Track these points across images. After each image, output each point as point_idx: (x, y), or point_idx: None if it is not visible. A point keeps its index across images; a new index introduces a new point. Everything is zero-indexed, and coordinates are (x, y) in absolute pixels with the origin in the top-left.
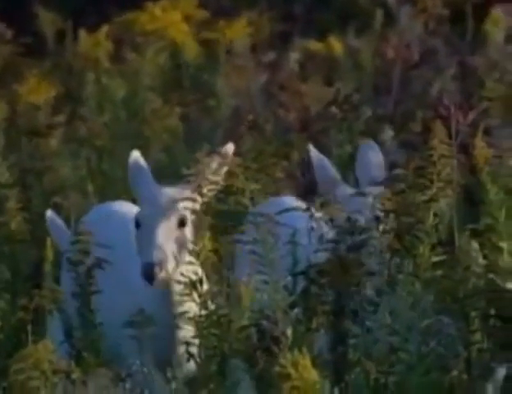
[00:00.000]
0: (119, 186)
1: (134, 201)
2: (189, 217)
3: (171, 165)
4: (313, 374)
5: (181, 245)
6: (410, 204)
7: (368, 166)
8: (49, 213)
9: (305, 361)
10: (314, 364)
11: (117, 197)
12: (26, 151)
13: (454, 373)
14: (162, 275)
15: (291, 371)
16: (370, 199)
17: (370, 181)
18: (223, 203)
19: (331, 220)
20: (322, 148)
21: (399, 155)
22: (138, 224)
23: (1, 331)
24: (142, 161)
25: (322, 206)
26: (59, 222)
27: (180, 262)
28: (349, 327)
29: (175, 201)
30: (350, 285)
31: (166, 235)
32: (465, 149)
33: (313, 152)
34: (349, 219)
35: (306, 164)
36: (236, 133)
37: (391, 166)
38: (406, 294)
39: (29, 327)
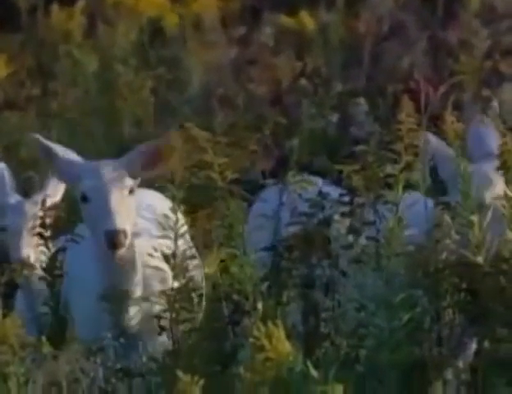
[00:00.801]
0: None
1: None
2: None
3: (143, 139)
4: (286, 346)
5: (133, 211)
6: (378, 179)
7: (481, 141)
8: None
9: (279, 333)
10: (288, 336)
11: None
12: None
13: (426, 347)
14: (127, 242)
15: (265, 343)
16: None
17: (483, 156)
18: (195, 177)
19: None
20: (293, 122)
21: (369, 129)
22: (85, 198)
23: None
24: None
25: (295, 179)
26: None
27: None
28: (319, 300)
29: (119, 173)
30: (319, 259)
31: (121, 204)
32: (435, 123)
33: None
34: (320, 193)
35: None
36: (207, 107)
37: (360, 140)
38: (377, 268)
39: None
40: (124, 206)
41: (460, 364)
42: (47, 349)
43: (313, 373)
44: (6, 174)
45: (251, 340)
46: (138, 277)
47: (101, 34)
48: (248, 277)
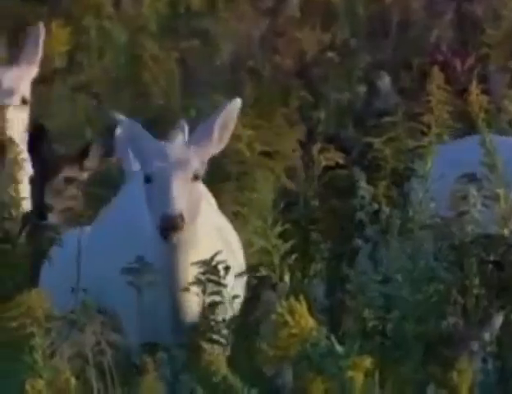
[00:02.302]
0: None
1: None
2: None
3: (170, 111)
4: (310, 322)
5: (196, 199)
6: (406, 151)
7: None
8: None
9: (302, 309)
10: (311, 311)
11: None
12: None
13: (451, 320)
14: (183, 227)
15: (288, 318)
16: None
17: None
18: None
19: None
20: (319, 95)
21: (395, 101)
22: (149, 179)
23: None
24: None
25: (321, 152)
26: None
27: (196, 217)
28: (346, 272)
29: (186, 156)
30: (342, 233)
31: (183, 187)
32: (462, 96)
33: None
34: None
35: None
36: (235, 79)
37: (384, 112)
38: (403, 241)
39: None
40: (185, 191)
41: (486, 336)
42: (73, 321)
43: (337, 347)
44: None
45: (274, 316)
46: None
47: (128, 6)
48: (275, 249)
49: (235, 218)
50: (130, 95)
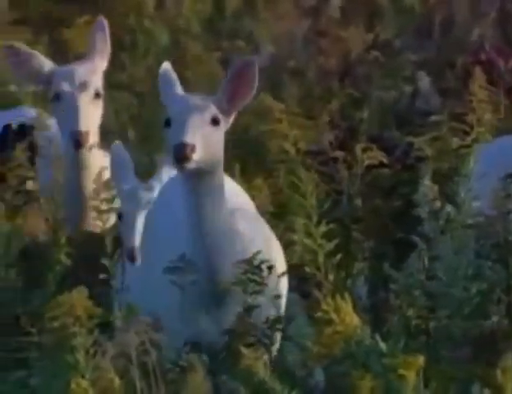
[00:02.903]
0: (160, 132)
1: None
2: (223, 120)
3: None
4: (354, 319)
5: (215, 143)
6: (449, 150)
7: None
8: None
9: (347, 306)
10: (355, 310)
11: (158, 143)
12: None
13: (495, 318)
14: (194, 157)
15: (333, 316)
16: None
17: None
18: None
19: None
20: (363, 94)
21: (437, 101)
22: (168, 123)
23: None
24: (172, 72)
25: (364, 151)
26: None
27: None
28: (390, 272)
29: (203, 102)
30: (387, 231)
31: (198, 125)
32: (508, 95)
33: None
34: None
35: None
36: (277, 79)
37: (426, 112)
38: (448, 239)
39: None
40: (200, 130)
41: None
42: (116, 320)
43: (382, 346)
44: (127, 156)
45: (319, 313)
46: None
47: (170, 6)
48: (320, 248)
49: (279, 217)
50: None
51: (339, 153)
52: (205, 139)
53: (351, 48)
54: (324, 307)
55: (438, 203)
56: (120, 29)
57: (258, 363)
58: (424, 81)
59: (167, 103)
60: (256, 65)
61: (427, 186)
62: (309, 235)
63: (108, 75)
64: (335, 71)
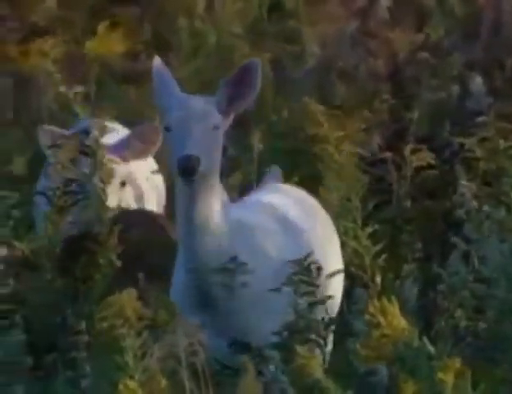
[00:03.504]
0: None
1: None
2: (223, 122)
3: (261, 112)
4: (402, 322)
5: (216, 148)
6: (498, 151)
7: None
8: None
9: (394, 309)
10: (402, 312)
11: None
12: (118, 98)
13: None
14: (200, 169)
15: (380, 319)
16: None
17: None
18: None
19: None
20: (412, 95)
21: (487, 102)
22: (168, 129)
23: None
24: (165, 68)
25: (414, 153)
26: None
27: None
28: (439, 272)
29: (206, 108)
30: (436, 233)
31: (201, 134)
32: None
33: None
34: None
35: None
36: (325, 80)
37: (476, 113)
38: (496, 240)
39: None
40: (204, 139)
41: None
42: (164, 322)
43: (430, 348)
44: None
45: (367, 316)
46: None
47: (219, 7)
48: (366, 250)
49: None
50: None
51: (387, 155)
52: (208, 146)
53: (399, 49)
54: (371, 310)
55: (475, 204)
56: (168, 29)
57: (312, 362)
58: (475, 82)
59: (166, 105)
60: (259, 67)
61: (465, 187)
62: (355, 237)
63: None
64: (383, 72)
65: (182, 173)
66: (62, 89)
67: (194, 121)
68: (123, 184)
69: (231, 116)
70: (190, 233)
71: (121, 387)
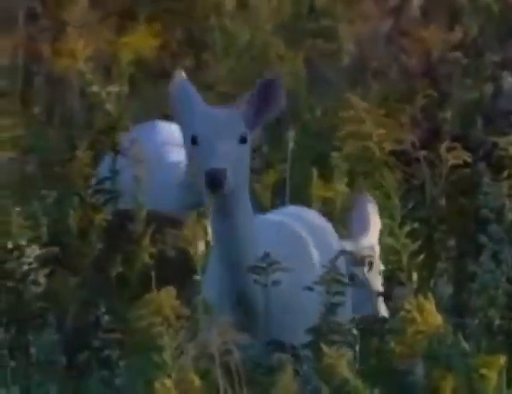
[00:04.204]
0: None
1: None
2: (250, 135)
3: (296, 110)
4: (437, 319)
5: (243, 161)
6: None
7: None
8: None
9: (430, 306)
10: (437, 309)
11: None
12: (151, 96)
13: None
14: (226, 182)
15: (416, 315)
16: None
17: None
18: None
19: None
20: (446, 94)
21: None
22: (194, 142)
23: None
24: (189, 84)
25: (449, 151)
26: None
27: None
28: (473, 270)
29: (232, 120)
30: (469, 232)
31: (228, 147)
32: None
33: None
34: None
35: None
36: (359, 78)
37: (510, 112)
38: None
39: (153, 273)
40: (230, 152)
41: None
42: (199, 320)
43: (465, 345)
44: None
45: (402, 313)
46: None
47: (253, 5)
48: (404, 248)
49: None
50: None
51: (422, 153)
52: (235, 159)
53: (432, 47)
54: (407, 306)
55: (499, 203)
56: (201, 28)
57: (341, 361)
58: (508, 81)
59: (190, 120)
60: (282, 80)
61: (490, 186)
62: (393, 235)
63: (192, 75)
64: (417, 70)
65: (210, 187)
66: (95, 88)
67: (220, 133)
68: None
69: (259, 130)
70: (225, 250)
71: (157, 385)
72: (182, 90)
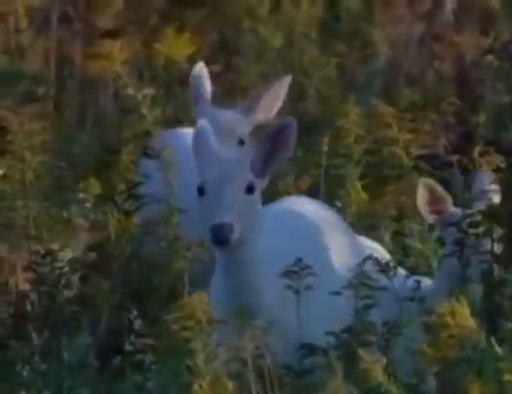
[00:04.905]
0: None
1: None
2: (258, 184)
3: (328, 114)
4: (470, 323)
5: (251, 211)
6: None
7: None
8: None
9: (463, 310)
10: (470, 313)
11: None
12: (185, 101)
13: None
14: (233, 237)
15: (449, 320)
16: None
17: None
18: (376, 154)
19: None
20: (478, 98)
21: None
22: (202, 192)
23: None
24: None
25: (482, 155)
26: None
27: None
28: (505, 276)
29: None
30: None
31: (234, 200)
32: None
33: None
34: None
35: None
36: (392, 83)
37: None
38: None
39: (186, 277)
40: (237, 204)
41: None
42: (232, 325)
43: (497, 349)
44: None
45: (435, 317)
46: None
47: (285, 10)
48: (433, 252)
49: (394, 222)
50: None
51: (454, 158)
52: (241, 211)
53: (465, 52)
54: (440, 310)
55: None
56: (234, 32)
57: (375, 366)
58: None
59: (202, 161)
60: (295, 127)
61: None
62: (422, 239)
63: (223, 80)
64: (450, 75)
65: (215, 243)
66: (130, 91)
67: (226, 185)
68: (241, 142)
69: (267, 178)
70: (231, 277)
71: (195, 388)
72: (203, 133)
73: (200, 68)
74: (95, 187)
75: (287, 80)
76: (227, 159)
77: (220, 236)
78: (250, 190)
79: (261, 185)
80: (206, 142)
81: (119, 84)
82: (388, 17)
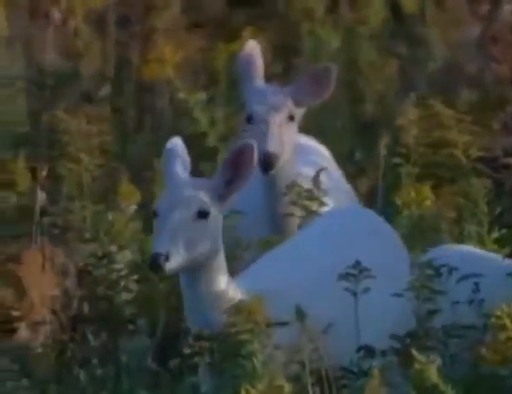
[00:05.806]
0: (333, 136)
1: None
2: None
3: (386, 116)
4: None
5: (200, 239)
6: None
7: None
8: None
9: None
10: None
11: (331, 148)
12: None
13: None
14: (167, 266)
15: (507, 322)
16: None
17: None
18: (435, 155)
19: None
20: None
21: None
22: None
23: None
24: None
25: None
26: None
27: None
28: None
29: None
30: None
31: (176, 227)
32: None
33: None
34: None
35: None
36: (449, 85)
37: None
38: None
39: None
40: (180, 232)
41: None
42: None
43: None
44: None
45: (493, 319)
46: None
47: (343, 10)
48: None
49: (451, 223)
50: (345, 99)
51: (511, 160)
52: (188, 239)
53: None
54: (498, 313)
55: None
56: (292, 34)
57: (430, 367)
58: None
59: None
60: (255, 149)
61: None
62: (481, 241)
63: (283, 81)
64: (508, 77)
65: (152, 270)
66: (182, 95)
67: (172, 211)
68: (291, 118)
69: (229, 200)
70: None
71: (253, 392)
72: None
73: (252, 46)
74: (134, 194)
75: (334, 67)
76: (179, 185)
77: (153, 266)
78: (203, 215)
79: (221, 208)
80: (168, 164)
81: (171, 88)
82: (446, 18)
